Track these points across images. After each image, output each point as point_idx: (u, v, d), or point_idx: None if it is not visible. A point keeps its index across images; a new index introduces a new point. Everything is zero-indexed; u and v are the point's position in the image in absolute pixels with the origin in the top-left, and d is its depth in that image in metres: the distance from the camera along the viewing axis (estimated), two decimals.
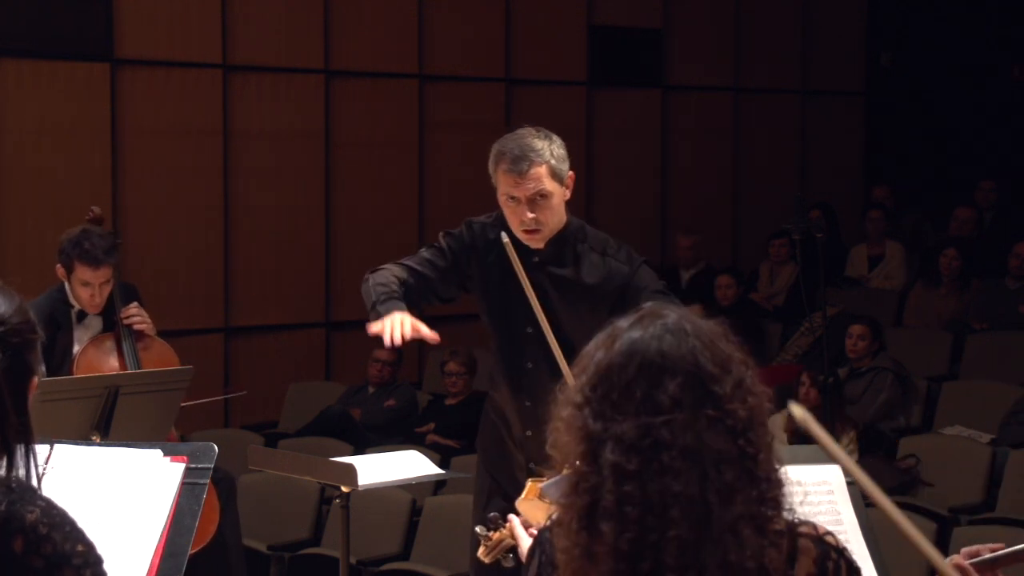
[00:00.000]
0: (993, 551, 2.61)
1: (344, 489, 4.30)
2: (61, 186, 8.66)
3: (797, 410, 1.99)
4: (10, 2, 8.49)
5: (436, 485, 6.95)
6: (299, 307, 9.66)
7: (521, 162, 4.18)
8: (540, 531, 2.29)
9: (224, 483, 5.97)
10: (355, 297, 4.38)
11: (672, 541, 1.96)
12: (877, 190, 11.70)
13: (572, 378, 2.09)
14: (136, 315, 5.55)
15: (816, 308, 7.79)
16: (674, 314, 2.08)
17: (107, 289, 5.54)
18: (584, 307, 4.24)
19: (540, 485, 3.02)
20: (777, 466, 2.05)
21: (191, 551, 2.77)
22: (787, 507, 2.06)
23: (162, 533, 2.75)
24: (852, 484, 2.96)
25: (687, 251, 10.53)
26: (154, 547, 2.73)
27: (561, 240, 4.29)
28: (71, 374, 5.42)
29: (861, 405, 8.00)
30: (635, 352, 2.03)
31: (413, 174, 10.11)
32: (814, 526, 2.12)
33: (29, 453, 2.23)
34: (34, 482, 2.22)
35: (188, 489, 2.82)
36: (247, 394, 8.60)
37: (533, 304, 4.01)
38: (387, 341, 4.07)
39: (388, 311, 4.14)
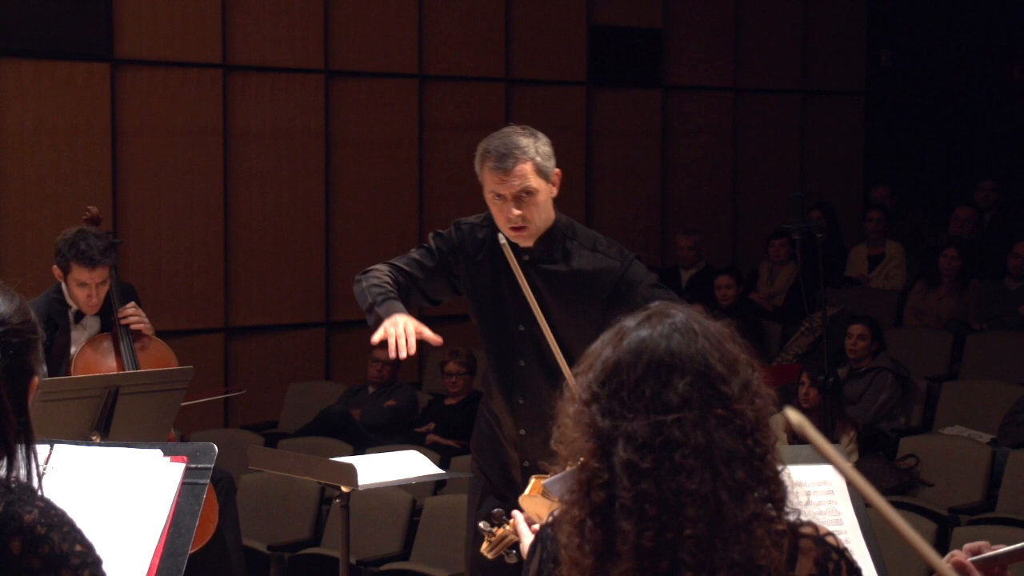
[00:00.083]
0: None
1: (344, 489, 4.30)
2: (61, 186, 8.65)
3: (793, 416, 1.99)
4: (10, 2, 8.49)
5: (436, 485, 6.95)
6: (299, 307, 9.65)
7: (506, 159, 4.18)
8: (541, 527, 2.29)
9: (224, 483, 5.96)
10: (355, 297, 4.37)
11: (689, 539, 1.98)
12: (877, 190, 11.69)
13: (571, 375, 2.09)
14: (133, 315, 5.51)
15: (816, 308, 7.79)
16: (682, 314, 2.09)
17: (104, 289, 5.49)
18: (576, 303, 4.22)
19: (544, 481, 3.02)
20: (780, 467, 2.06)
21: (191, 551, 2.76)
22: (791, 508, 2.07)
23: (162, 533, 2.75)
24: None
25: (687, 251, 10.52)
26: (154, 547, 2.73)
27: (550, 237, 4.28)
28: (68, 375, 5.38)
29: (861, 405, 8.00)
30: (644, 350, 2.05)
31: (413, 174, 10.10)
32: (815, 526, 2.12)
33: (29, 453, 2.22)
34: (34, 482, 2.21)
35: (188, 489, 2.81)
36: (247, 394, 8.60)
37: (532, 304, 4.01)
38: (392, 354, 4.06)
39: (388, 313, 4.14)
